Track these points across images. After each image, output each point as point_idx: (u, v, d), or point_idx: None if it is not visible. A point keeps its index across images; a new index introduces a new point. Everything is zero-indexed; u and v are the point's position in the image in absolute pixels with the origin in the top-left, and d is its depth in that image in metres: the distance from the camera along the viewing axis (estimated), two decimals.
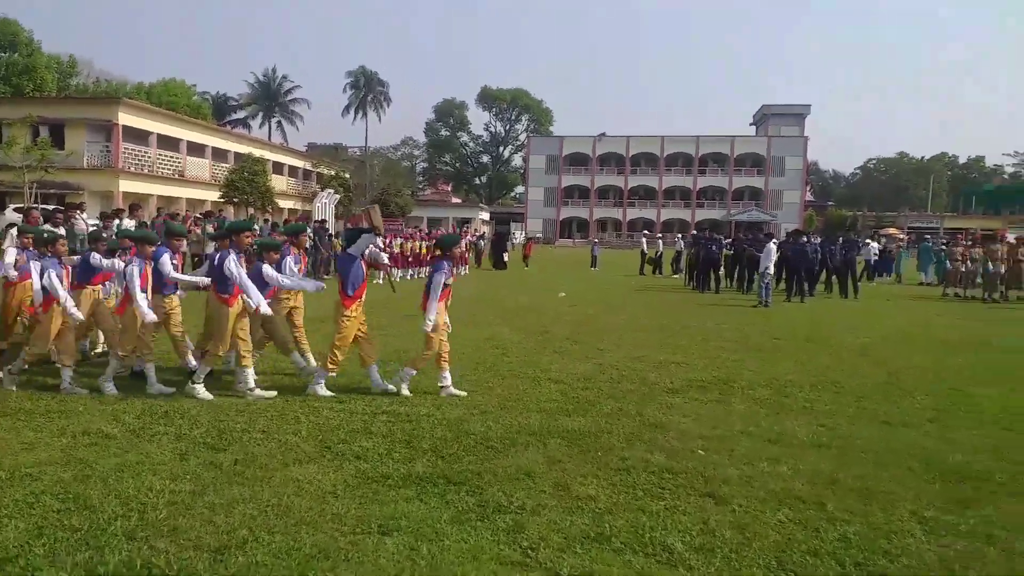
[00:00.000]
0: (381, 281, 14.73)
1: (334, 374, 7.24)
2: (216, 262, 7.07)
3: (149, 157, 38.72)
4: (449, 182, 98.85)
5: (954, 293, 21.19)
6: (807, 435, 6.11)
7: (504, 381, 7.60)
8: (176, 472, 4.85)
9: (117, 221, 12.22)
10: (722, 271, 21.89)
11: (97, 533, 3.89)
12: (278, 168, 52.79)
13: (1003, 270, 20.00)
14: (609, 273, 29.30)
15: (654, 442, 5.81)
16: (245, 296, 6.96)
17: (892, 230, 61.44)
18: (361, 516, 4.20)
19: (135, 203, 14.46)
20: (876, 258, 28.83)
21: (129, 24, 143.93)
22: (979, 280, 20.57)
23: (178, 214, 16.02)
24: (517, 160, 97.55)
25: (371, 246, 7.39)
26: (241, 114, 79.08)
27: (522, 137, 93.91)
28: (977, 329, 13.50)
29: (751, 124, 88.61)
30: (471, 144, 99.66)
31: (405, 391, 7.11)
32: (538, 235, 77.37)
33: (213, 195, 40.89)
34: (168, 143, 40.54)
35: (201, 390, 6.86)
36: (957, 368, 9.31)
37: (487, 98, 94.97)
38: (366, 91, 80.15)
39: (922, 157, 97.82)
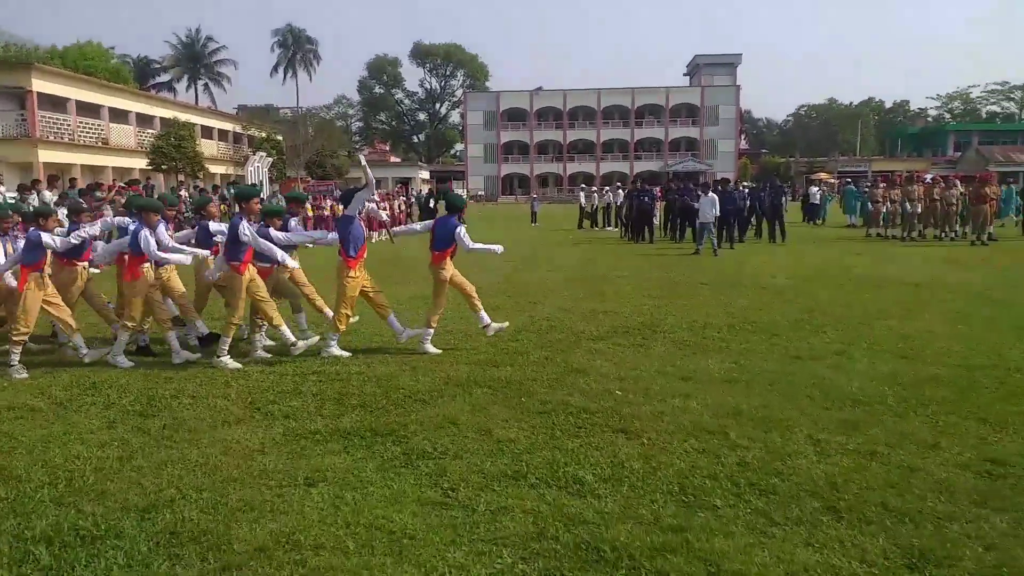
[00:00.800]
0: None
1: (342, 330, 7.32)
2: (228, 230, 7.04)
3: (69, 125, 37.09)
4: (387, 141, 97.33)
5: (876, 233, 22.09)
6: (719, 372, 6.47)
7: (436, 337, 7.78)
8: (104, 440, 4.92)
9: (34, 193, 11.85)
10: (656, 221, 22.37)
11: (24, 501, 3.97)
12: (207, 132, 51.14)
13: (919, 209, 20.91)
14: (549, 228, 29.58)
15: (575, 386, 6.08)
16: (270, 255, 7.04)
17: (823, 175, 63.08)
18: (288, 471, 4.36)
19: (53, 174, 14.02)
20: (817, 202, 29.91)
21: None
22: (898, 220, 21.51)
23: (100, 184, 15.56)
24: (455, 117, 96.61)
25: (366, 203, 7.41)
26: (165, 77, 76.25)
27: (458, 93, 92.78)
28: (890, 267, 14.20)
29: (684, 75, 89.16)
30: (407, 101, 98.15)
31: (431, 348, 7.36)
32: (479, 192, 77.25)
33: (140, 163, 39.50)
34: (89, 110, 38.85)
35: (229, 361, 6.85)
36: (866, 303, 9.84)
37: (421, 53, 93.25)
38: (294, 50, 77.99)
39: (851, 103, 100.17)
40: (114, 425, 5.23)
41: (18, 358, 6.65)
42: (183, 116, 44.46)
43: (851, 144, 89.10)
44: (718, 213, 17.78)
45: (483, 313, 7.66)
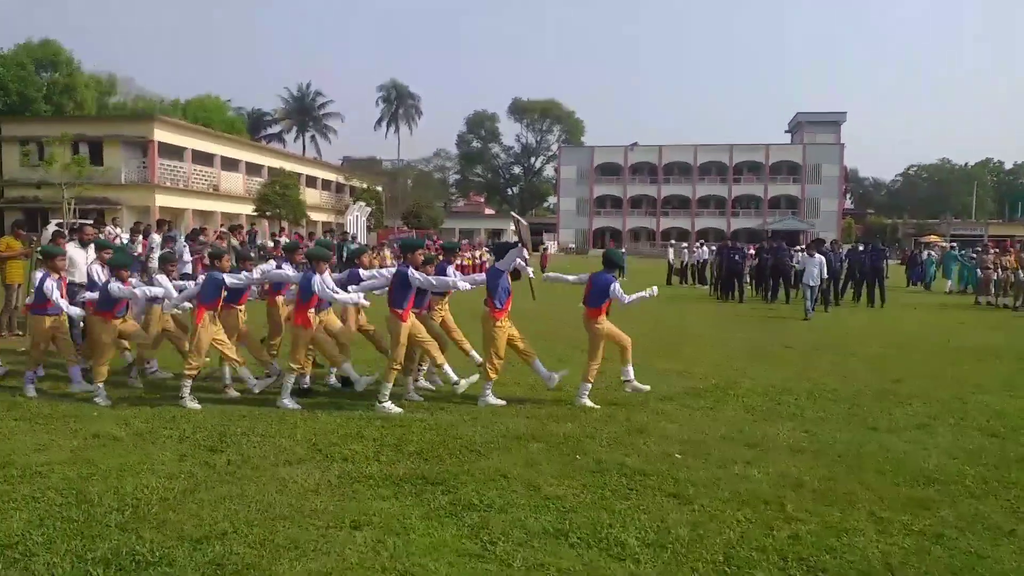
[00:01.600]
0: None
1: (494, 378, 7.54)
2: (395, 277, 7.38)
3: (184, 172, 39.89)
4: (482, 193, 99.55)
5: (986, 301, 20.85)
6: (787, 440, 6.23)
7: (500, 388, 7.84)
8: (173, 471, 5.19)
9: (139, 236, 12.75)
10: (747, 280, 21.88)
11: (92, 524, 4.23)
12: (311, 182, 53.90)
13: (1012, 279, 19.64)
14: (636, 282, 29.30)
15: (633, 446, 5.99)
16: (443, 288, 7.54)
17: (934, 237, 60.22)
18: (336, 512, 4.48)
19: (162, 219, 15.07)
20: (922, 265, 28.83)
21: (168, 42, 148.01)
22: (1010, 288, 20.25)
23: (204, 228, 16.62)
24: (549, 171, 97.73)
25: (517, 259, 7.80)
26: (276, 129, 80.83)
27: (553, 148, 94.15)
28: (995, 338, 13.35)
29: (786, 132, 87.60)
30: (503, 155, 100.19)
31: (587, 403, 7.42)
32: (570, 245, 77.67)
33: (247, 208, 41.91)
34: (202, 158, 41.73)
35: (391, 407, 7.06)
36: (962, 376, 9.28)
37: (518, 109, 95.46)
38: (397, 104, 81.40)
39: (966, 163, 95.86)
40: (185, 458, 5.52)
41: (188, 391, 7.15)
42: (288, 166, 47.02)
43: (965, 206, 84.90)
44: (825, 275, 17.22)
45: (629, 367, 7.70)
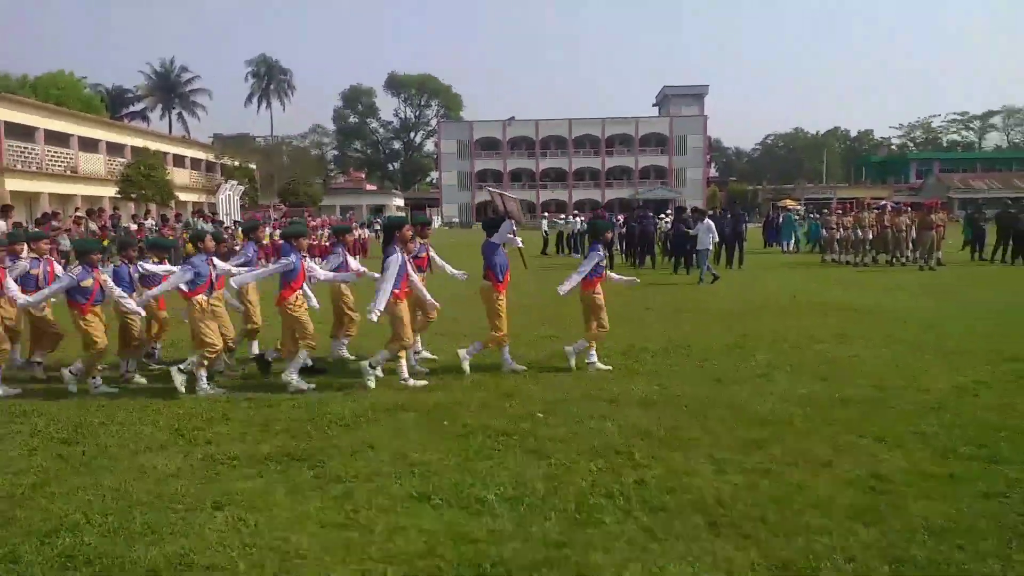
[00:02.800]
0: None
1: (507, 343, 7.83)
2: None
3: (36, 154, 36.93)
4: (362, 169, 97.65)
5: (831, 259, 22.58)
6: (641, 394, 6.66)
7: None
8: (21, 467, 4.98)
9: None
10: (617, 248, 22.72)
11: None
12: (179, 161, 51.10)
13: (871, 236, 21.44)
14: (516, 254, 29.77)
15: (500, 409, 6.24)
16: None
17: (789, 202, 64.12)
18: (198, 495, 4.46)
19: (6, 204, 14.02)
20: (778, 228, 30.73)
21: (13, 14, 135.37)
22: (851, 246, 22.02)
23: (47, 213, 15.49)
24: (429, 146, 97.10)
25: (507, 233, 7.87)
26: (139, 106, 76.08)
27: (433, 123, 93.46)
28: (835, 293, 14.56)
29: (653, 105, 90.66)
30: (381, 130, 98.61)
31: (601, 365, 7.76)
32: (453, 219, 77.68)
33: (110, 191, 39.34)
34: (57, 139, 38.70)
35: (415, 381, 7.16)
36: (800, 328, 10.10)
37: (395, 84, 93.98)
38: (268, 80, 78.35)
39: (817, 132, 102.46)
40: (35, 452, 5.29)
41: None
42: (154, 145, 44.41)
43: (817, 172, 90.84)
44: (716, 239, 18.06)
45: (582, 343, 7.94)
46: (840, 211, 23.78)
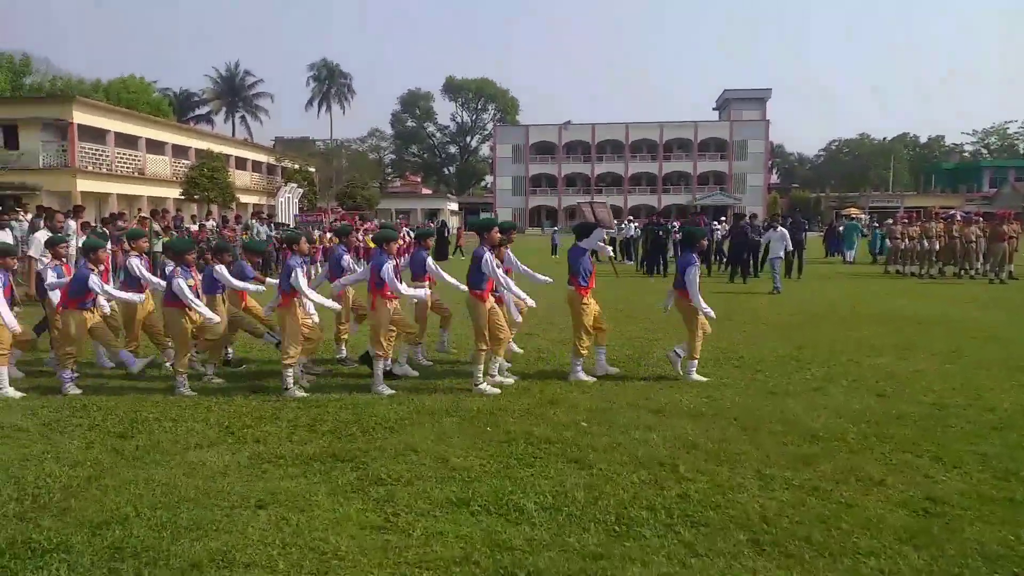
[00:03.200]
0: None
1: (584, 356, 7.75)
2: (473, 260, 7.28)
3: (107, 156, 38.41)
4: (418, 173, 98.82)
5: (895, 270, 21.87)
6: (689, 406, 6.54)
7: (416, 367, 7.90)
8: (78, 459, 5.15)
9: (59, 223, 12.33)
10: (672, 256, 22.43)
11: None
12: (241, 164, 52.58)
13: (937, 246, 20.69)
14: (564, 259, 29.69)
15: (543, 416, 6.20)
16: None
17: (854, 210, 62.47)
18: (243, 493, 4.54)
19: (77, 205, 14.59)
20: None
21: (88, 21, 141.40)
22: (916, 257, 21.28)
23: (123, 213, 16.08)
24: (485, 150, 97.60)
25: (598, 240, 7.98)
26: (204, 110, 78.42)
27: (489, 127, 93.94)
28: (899, 304, 14.08)
29: (714, 109, 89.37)
30: (438, 134, 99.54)
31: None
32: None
33: (174, 192, 40.69)
34: (126, 141, 40.21)
35: (488, 388, 7.12)
36: (859, 340, 9.80)
37: (452, 88, 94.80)
38: (328, 84, 79.93)
39: (884, 138, 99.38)
40: (92, 446, 5.48)
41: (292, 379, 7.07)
42: (216, 147, 45.73)
43: (884, 179, 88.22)
44: (790, 247, 17.75)
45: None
46: (906, 220, 22.99)
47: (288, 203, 40.94)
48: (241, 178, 50.82)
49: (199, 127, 62.89)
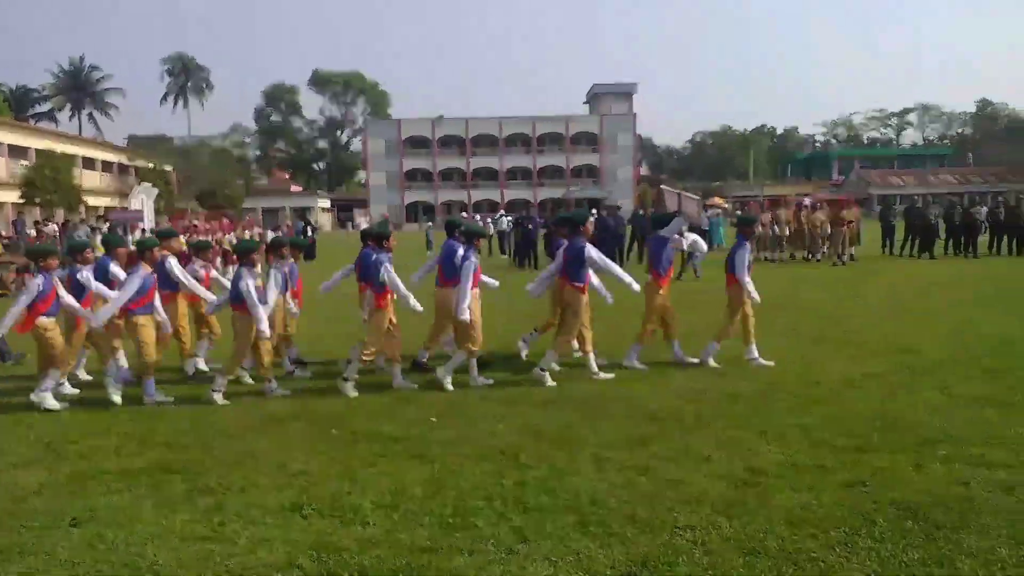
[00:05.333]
0: None
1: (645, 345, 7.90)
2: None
3: None
4: (287, 169, 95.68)
5: (764, 257, 23.07)
6: (541, 395, 6.66)
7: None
8: None
9: None
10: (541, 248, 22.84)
11: None
12: (89, 163, 49.09)
13: (787, 232, 22.10)
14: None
15: (394, 415, 6.14)
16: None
17: (717, 199, 65.59)
18: (57, 512, 4.24)
19: None
20: (706, 227, 31.17)
21: None
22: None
23: None
24: (356, 145, 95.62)
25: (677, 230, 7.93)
26: (46, 106, 72.63)
27: (360, 121, 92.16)
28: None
29: (584, 103, 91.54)
30: (306, 129, 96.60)
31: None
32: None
33: (12, 195, 37.49)
34: None
35: (547, 378, 7.07)
36: (708, 324, 10.25)
37: (320, 81, 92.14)
38: (185, 78, 76.01)
39: (745, 129, 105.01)
40: None
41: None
42: (60, 147, 42.46)
43: (745, 170, 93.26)
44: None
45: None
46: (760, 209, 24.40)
47: (142, 204, 38.68)
48: (90, 179, 47.43)
49: (40, 125, 58.21)
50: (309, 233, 29.95)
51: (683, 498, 4.25)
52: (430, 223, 42.08)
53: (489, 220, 30.75)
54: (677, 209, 8.24)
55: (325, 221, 74.84)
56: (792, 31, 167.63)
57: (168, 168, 53.97)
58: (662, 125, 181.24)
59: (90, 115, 72.66)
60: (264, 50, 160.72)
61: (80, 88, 71.64)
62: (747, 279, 7.81)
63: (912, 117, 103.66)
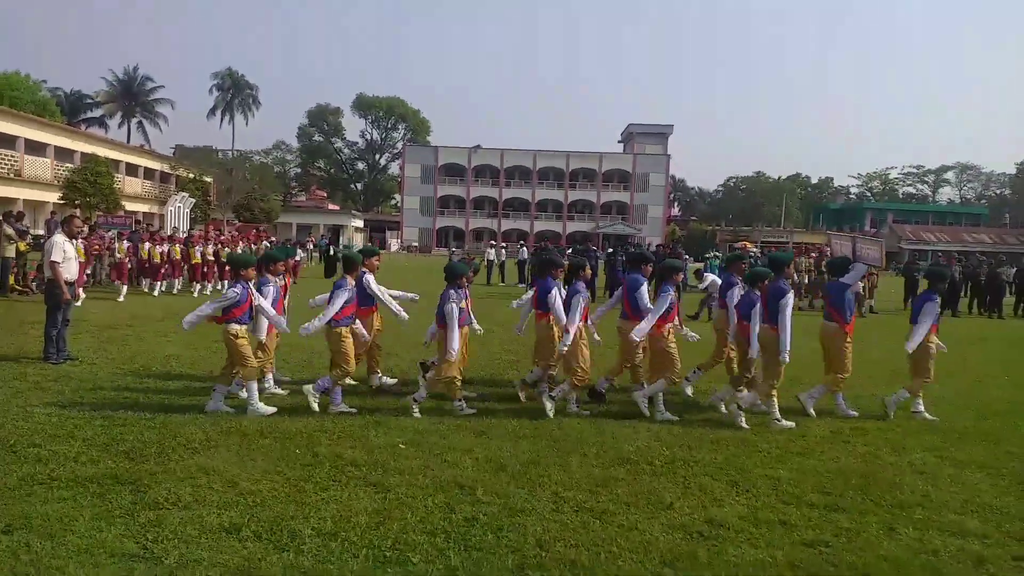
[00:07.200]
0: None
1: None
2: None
3: None
4: (325, 188, 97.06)
5: None
6: (514, 427, 6.49)
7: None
8: None
9: None
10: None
11: None
12: (133, 170, 50.42)
13: (807, 280, 21.71)
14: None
15: (363, 439, 6.02)
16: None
17: (746, 243, 65.11)
18: None
19: None
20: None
21: None
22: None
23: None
24: (394, 168, 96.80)
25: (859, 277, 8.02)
26: (97, 112, 74.65)
27: (399, 146, 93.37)
28: None
29: (618, 142, 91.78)
30: (346, 150, 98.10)
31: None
32: (412, 243, 77.58)
33: (53, 196, 38.48)
34: (2, 140, 37.84)
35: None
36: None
37: (363, 105, 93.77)
38: (233, 93, 77.78)
39: (779, 177, 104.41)
40: None
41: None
42: (104, 152, 43.56)
43: (776, 216, 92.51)
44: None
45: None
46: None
47: (178, 212, 39.39)
48: (132, 185, 48.65)
49: (89, 131, 59.78)
50: (331, 251, 30.12)
51: (632, 546, 4.06)
52: (454, 249, 42.19)
53: (503, 248, 30.82)
54: (852, 254, 8.38)
55: (358, 240, 75.61)
56: (839, 81, 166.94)
57: (208, 179, 54.99)
58: (696, 168, 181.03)
59: (139, 124, 74.53)
60: (312, 72, 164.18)
61: (131, 97, 73.61)
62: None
63: (950, 175, 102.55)
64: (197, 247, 19.22)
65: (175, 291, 18.58)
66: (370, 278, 7.77)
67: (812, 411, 7.44)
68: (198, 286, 18.91)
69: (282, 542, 4.02)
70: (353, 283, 7.28)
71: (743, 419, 6.86)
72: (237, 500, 4.60)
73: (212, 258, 19.82)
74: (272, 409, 6.76)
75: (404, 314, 7.85)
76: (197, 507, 4.46)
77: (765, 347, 7.10)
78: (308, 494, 4.75)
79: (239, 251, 21.37)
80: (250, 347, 6.90)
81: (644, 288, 7.51)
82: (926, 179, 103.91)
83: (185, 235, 24.23)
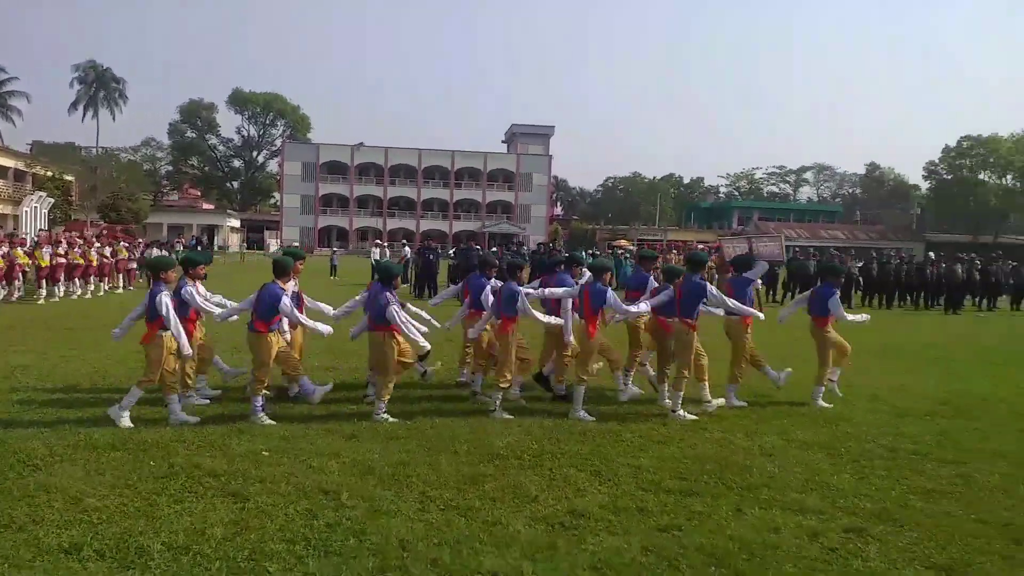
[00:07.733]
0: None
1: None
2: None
3: None
4: (199, 187, 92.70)
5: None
6: (387, 429, 6.42)
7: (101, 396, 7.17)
8: None
9: None
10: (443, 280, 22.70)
11: None
12: None
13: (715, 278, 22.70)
14: (346, 281, 29.04)
15: (224, 447, 5.79)
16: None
17: (623, 241, 67.21)
18: None
19: None
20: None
21: None
22: None
23: None
24: (273, 166, 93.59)
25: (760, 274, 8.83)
26: None
27: (278, 143, 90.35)
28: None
29: (502, 142, 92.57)
30: (221, 148, 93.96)
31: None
32: (293, 244, 75.20)
33: None
34: None
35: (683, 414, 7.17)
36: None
37: (239, 100, 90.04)
38: (97, 87, 72.96)
39: (654, 177, 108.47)
40: None
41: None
42: None
43: (652, 215, 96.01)
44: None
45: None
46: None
47: (35, 213, 36.63)
48: None
49: None
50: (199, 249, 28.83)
51: (495, 541, 4.11)
52: (335, 249, 41.33)
53: (386, 247, 30.49)
54: (749, 252, 9.21)
55: (234, 241, 72.67)
56: (706, 84, 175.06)
57: (69, 178, 51.38)
58: (576, 169, 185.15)
59: None
60: (184, 68, 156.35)
61: None
62: (844, 314, 8.13)
63: (808, 175, 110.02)
64: (44, 249, 17.92)
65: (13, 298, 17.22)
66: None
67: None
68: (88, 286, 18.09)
69: (128, 559, 3.82)
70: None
71: (713, 406, 7.50)
72: (80, 518, 4.33)
73: (108, 259, 19.32)
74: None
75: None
76: (34, 528, 4.17)
77: (680, 340, 7.53)
78: (160, 507, 4.53)
79: (107, 252, 20.17)
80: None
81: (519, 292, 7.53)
82: (788, 179, 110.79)
83: (31, 238, 22.62)
